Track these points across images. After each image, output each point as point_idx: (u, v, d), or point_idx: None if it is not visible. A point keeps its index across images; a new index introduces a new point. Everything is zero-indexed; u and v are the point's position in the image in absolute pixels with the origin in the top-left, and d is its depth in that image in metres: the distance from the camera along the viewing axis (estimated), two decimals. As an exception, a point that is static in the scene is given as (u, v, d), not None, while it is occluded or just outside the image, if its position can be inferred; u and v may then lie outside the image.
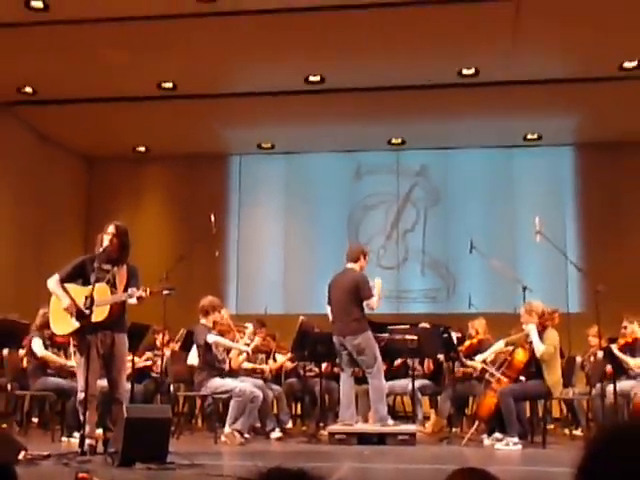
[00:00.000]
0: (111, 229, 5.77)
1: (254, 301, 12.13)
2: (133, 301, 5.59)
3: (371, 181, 12.73)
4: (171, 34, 8.91)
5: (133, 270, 5.87)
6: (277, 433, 7.71)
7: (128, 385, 7.22)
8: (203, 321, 7.51)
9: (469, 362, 8.08)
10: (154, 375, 8.94)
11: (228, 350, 7.69)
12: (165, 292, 5.83)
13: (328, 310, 7.51)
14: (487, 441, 7.00)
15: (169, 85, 10.32)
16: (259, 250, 12.86)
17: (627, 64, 9.53)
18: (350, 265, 7.44)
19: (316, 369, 8.93)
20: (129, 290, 5.62)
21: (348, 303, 7.19)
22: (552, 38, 8.98)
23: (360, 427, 7.22)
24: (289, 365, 9.25)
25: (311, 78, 10.06)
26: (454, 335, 8.00)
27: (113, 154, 12.93)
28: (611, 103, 10.60)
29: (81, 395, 5.59)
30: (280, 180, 12.92)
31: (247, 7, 8.38)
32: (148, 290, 5.58)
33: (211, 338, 7.35)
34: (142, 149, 12.79)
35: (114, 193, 12.91)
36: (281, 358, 9.08)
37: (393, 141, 12.37)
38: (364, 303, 7.16)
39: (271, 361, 9.04)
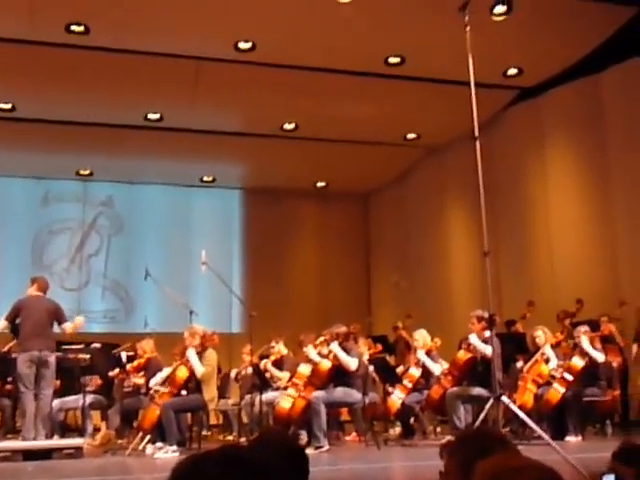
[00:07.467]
0: None
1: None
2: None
3: (58, 208, 12.09)
4: None
5: None
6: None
7: None
8: None
9: (134, 379, 7.92)
10: None
11: None
12: None
13: (3, 325, 6.92)
14: (149, 450, 6.85)
15: None
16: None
17: (287, 126, 10.18)
18: (41, 293, 7.15)
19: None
20: None
21: (47, 324, 6.95)
22: (226, 97, 9.30)
23: (25, 444, 6.64)
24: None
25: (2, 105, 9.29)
26: (124, 354, 7.82)
27: None
28: (273, 156, 11.25)
29: None
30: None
31: None
32: None
33: None
34: None
35: None
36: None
37: (81, 172, 11.86)
38: (61, 326, 7.04)
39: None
